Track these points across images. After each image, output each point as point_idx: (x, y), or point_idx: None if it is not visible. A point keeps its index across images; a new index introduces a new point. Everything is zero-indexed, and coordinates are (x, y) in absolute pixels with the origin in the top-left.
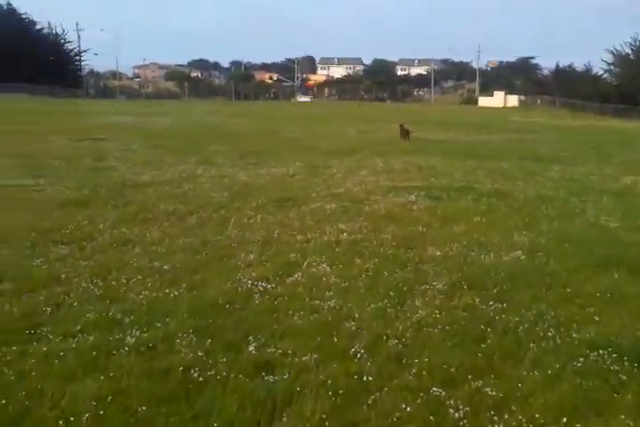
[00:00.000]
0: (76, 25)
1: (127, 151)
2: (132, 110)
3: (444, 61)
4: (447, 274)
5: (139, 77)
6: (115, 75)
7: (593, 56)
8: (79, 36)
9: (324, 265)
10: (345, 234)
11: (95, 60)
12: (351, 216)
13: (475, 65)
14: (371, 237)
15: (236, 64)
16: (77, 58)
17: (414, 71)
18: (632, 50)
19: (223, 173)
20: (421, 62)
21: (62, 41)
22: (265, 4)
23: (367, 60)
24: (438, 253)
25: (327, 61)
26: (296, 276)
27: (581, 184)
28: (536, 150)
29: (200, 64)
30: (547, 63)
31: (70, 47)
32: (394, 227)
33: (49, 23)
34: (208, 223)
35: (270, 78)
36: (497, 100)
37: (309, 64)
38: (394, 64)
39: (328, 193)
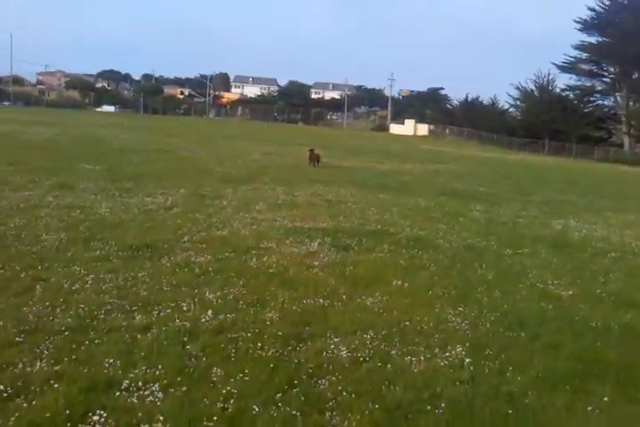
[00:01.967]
0: None
1: None
2: (19, 118)
3: (358, 88)
4: (358, 404)
5: (42, 84)
6: (16, 80)
7: (497, 90)
8: None
9: (155, 388)
10: (210, 312)
11: None
12: (227, 277)
13: (387, 93)
14: (248, 318)
15: (147, 77)
16: None
17: (328, 95)
18: (536, 86)
19: (79, 202)
20: (336, 87)
21: None
22: (182, 19)
23: (282, 82)
24: (344, 353)
25: (242, 80)
26: (94, 418)
27: (511, 230)
28: (453, 184)
29: (110, 75)
30: (454, 95)
31: None
32: (284, 297)
33: None
34: (5, 290)
35: (182, 93)
36: (408, 127)
37: (223, 81)
38: (308, 87)
39: (206, 236)
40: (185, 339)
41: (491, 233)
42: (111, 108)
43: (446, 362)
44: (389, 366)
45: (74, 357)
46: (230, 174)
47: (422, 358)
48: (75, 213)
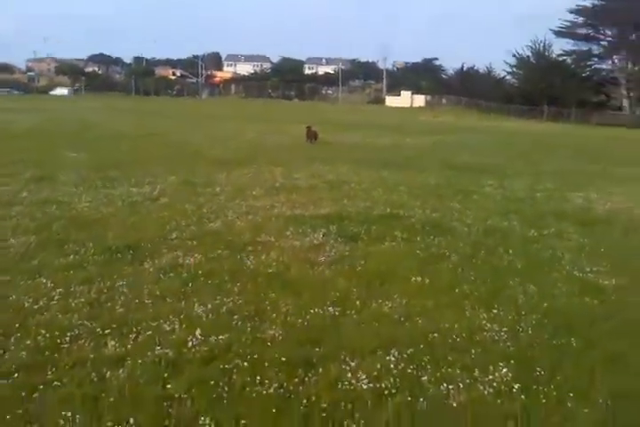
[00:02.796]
0: None
1: None
2: (3, 105)
3: (352, 61)
4: None
5: (32, 71)
6: (5, 68)
7: (492, 59)
8: None
9: None
10: (198, 333)
11: None
12: (220, 282)
13: (381, 65)
14: (244, 339)
15: (138, 60)
16: None
17: (322, 70)
18: (532, 53)
19: (57, 196)
20: (329, 61)
21: None
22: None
23: (275, 59)
24: (364, 384)
25: (234, 58)
26: None
27: (530, 206)
28: (458, 157)
29: (101, 59)
30: (449, 65)
31: None
32: (287, 306)
33: None
34: None
35: (174, 74)
36: (404, 99)
37: (215, 61)
38: (302, 63)
39: (197, 231)
40: (166, 374)
41: (510, 211)
42: (64, 91)
43: (490, 389)
44: (422, 399)
45: (20, 411)
46: (224, 157)
47: (460, 384)
48: (50, 210)
